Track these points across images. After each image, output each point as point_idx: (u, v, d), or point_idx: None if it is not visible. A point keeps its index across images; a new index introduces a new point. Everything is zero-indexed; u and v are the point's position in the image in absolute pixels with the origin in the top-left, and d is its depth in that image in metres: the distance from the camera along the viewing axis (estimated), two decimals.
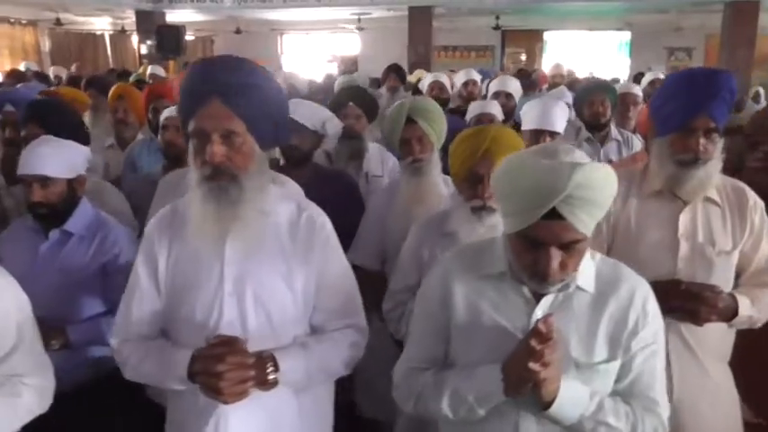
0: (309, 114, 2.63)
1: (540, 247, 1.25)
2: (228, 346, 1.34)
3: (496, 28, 14.07)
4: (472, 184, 1.89)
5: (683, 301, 1.81)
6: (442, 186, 2.42)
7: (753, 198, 1.99)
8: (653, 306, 1.40)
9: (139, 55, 13.56)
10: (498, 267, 1.39)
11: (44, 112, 2.46)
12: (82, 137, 2.36)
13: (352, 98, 3.36)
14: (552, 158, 1.22)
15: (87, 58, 13.88)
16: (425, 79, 4.41)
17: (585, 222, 1.22)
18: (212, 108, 1.39)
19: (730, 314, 1.84)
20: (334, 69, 15.36)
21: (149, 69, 7.57)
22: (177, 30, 13.31)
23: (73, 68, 10.45)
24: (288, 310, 1.52)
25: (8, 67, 12.35)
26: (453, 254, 1.52)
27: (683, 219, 1.96)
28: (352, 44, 16.04)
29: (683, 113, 1.89)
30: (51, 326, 1.91)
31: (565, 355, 1.33)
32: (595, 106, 3.73)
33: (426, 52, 12.66)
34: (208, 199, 1.43)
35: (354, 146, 3.32)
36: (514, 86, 4.11)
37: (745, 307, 1.85)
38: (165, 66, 13.52)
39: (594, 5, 12.60)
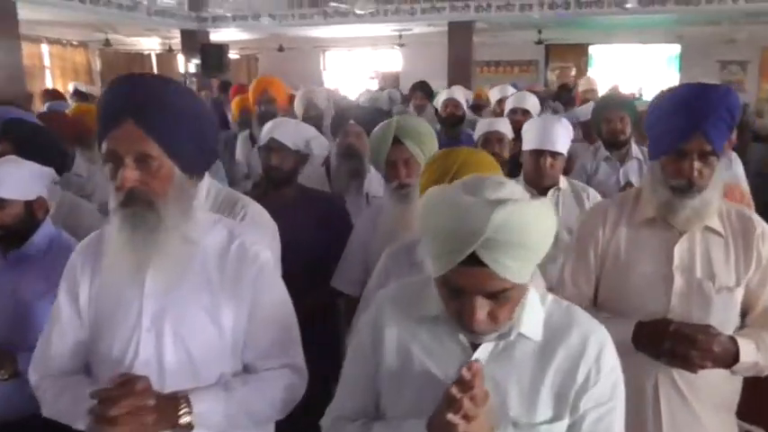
0: (291, 134, 2.52)
1: (463, 296, 1.09)
2: (128, 386, 1.22)
3: (539, 42, 13.80)
4: None
5: (674, 344, 1.60)
6: None
7: (761, 226, 1.77)
8: (609, 358, 1.21)
9: (184, 74, 13.85)
10: (433, 310, 1.22)
11: (16, 132, 2.43)
12: (56, 159, 2.31)
13: (352, 116, 3.25)
14: (474, 195, 1.05)
15: None
16: (440, 96, 4.26)
17: (513, 269, 1.05)
18: (125, 130, 1.29)
19: (730, 360, 1.61)
20: (375, 86, 15.44)
21: None
22: (220, 48, 13.55)
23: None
24: (212, 347, 1.39)
25: (60, 87, 12.83)
26: (389, 291, 1.37)
27: (679, 249, 1.75)
28: (393, 60, 16.02)
29: (675, 135, 1.70)
30: (1, 352, 1.84)
31: (501, 411, 1.16)
32: (613, 123, 3.51)
33: (466, 68, 12.50)
34: (123, 227, 1.33)
35: (354, 165, 3.20)
36: (532, 103, 3.92)
37: (749, 352, 1.62)
38: (209, 84, 13.81)
39: (642, 18, 12.19)
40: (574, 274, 1.89)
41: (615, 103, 3.60)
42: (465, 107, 4.16)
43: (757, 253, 1.74)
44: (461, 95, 4.19)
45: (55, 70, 13.39)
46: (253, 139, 4.52)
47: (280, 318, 1.48)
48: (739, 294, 1.74)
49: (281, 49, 15.17)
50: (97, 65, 14.42)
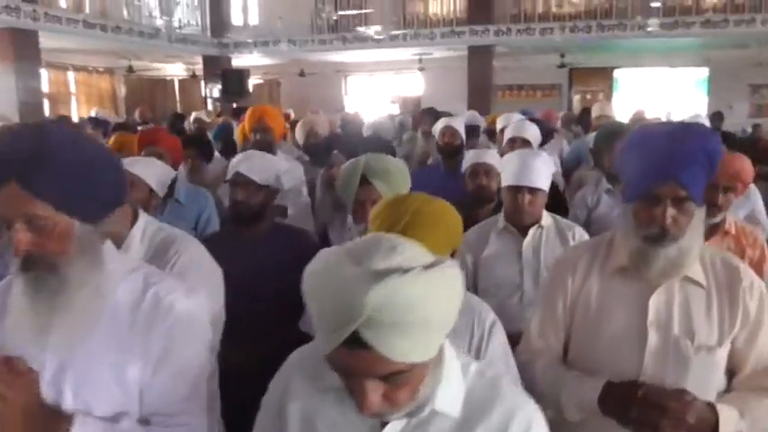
0: (259, 168, 2.41)
1: (352, 378, 0.94)
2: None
3: (561, 66, 13.62)
4: None
5: (642, 411, 1.42)
6: None
7: (749, 278, 1.57)
8: None
9: (205, 98, 14.01)
10: (338, 380, 1.07)
11: None
12: None
13: (337, 146, 3.13)
14: (359, 263, 0.89)
15: (158, 103, 14.47)
16: (437, 124, 4.11)
17: (406, 349, 0.89)
18: (9, 192, 1.18)
19: (707, 430, 1.42)
20: (396, 110, 15.38)
21: (193, 114, 7.66)
22: (241, 74, 13.69)
23: (136, 114, 10.82)
24: (115, 404, 1.28)
25: (85, 113, 13.06)
26: (300, 354, 1.22)
27: (655, 302, 1.57)
28: (415, 85, 15.97)
29: (647, 178, 1.52)
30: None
31: None
32: (615, 152, 3.31)
33: (486, 92, 12.38)
34: (25, 291, 1.24)
35: (338, 196, 3.07)
36: (532, 133, 3.74)
37: (730, 421, 1.42)
38: (230, 109, 13.91)
39: (667, 41, 11.96)
40: (541, 325, 1.72)
41: (619, 132, 3.40)
42: (463, 136, 4.00)
43: (744, 308, 1.55)
44: (460, 123, 4.02)
45: (80, 96, 13.64)
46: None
47: (187, 374, 1.34)
48: (722, 354, 1.54)
49: (302, 74, 15.25)
50: (122, 91, 14.65)
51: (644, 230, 1.53)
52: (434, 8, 13.29)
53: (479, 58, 12.34)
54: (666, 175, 1.49)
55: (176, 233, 1.92)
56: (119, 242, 1.80)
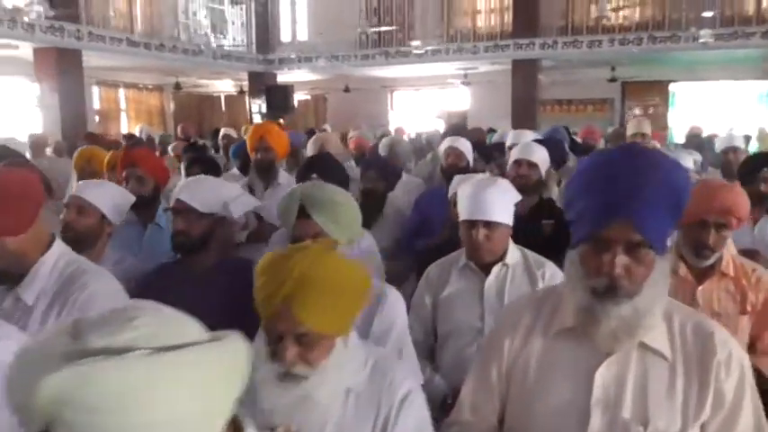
0: (202, 195, 2.22)
1: None
2: None
3: (612, 80, 13.06)
4: (272, 339, 1.32)
5: None
6: None
7: (726, 349, 1.27)
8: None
9: (251, 114, 14.12)
10: None
11: None
12: None
13: (315, 168, 2.92)
14: (77, 338, 0.68)
15: (205, 119, 14.69)
16: (442, 144, 3.85)
17: None
18: None
19: None
20: (441, 125, 15.13)
21: (222, 131, 7.62)
22: (285, 89, 13.74)
23: (179, 130, 10.97)
24: None
25: (134, 128, 13.35)
26: None
27: (603, 375, 1.29)
28: (461, 99, 15.67)
29: (594, 217, 1.25)
30: None
31: None
32: None
33: (531, 107, 11.99)
34: None
35: None
36: (540, 155, 3.44)
37: None
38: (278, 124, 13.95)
39: (726, 53, 11.28)
40: (474, 393, 1.45)
41: None
42: (469, 157, 3.72)
43: (717, 389, 1.24)
44: (466, 145, 3.75)
45: (130, 113, 13.98)
46: (251, 188, 4.28)
47: None
48: None
49: (347, 89, 15.18)
50: (170, 107, 14.95)
51: (591, 281, 1.26)
52: (479, 22, 13.00)
53: (523, 72, 11.97)
54: (617, 214, 1.21)
55: (89, 267, 1.77)
56: (26, 267, 1.67)
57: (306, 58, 13.64)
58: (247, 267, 2.43)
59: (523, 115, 11.87)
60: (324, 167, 2.89)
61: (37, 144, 7.15)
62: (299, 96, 17.11)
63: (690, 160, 4.17)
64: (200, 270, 2.25)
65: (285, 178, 4.23)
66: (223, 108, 15.31)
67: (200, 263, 2.27)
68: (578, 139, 7.58)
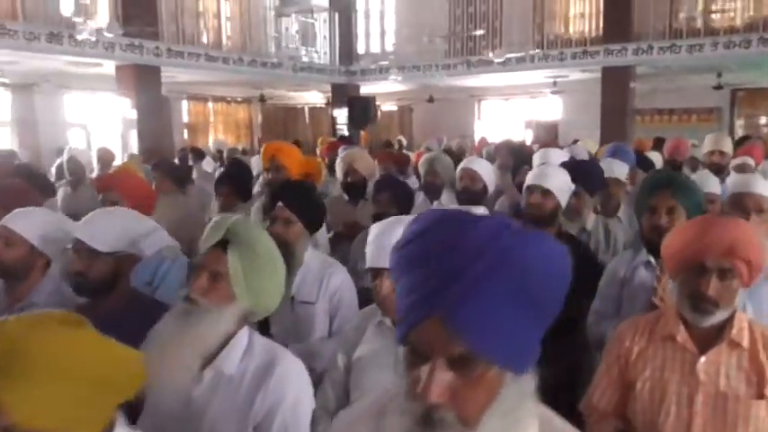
0: (104, 232, 1.97)
1: None
2: None
3: (718, 87, 11.85)
4: None
5: None
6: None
7: None
8: None
9: (334, 126, 14.13)
10: None
11: None
12: None
13: (282, 196, 2.61)
14: None
15: (289, 131, 14.87)
16: (460, 165, 3.38)
17: None
18: None
19: None
20: (529, 136, 14.43)
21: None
22: (367, 101, 13.61)
23: (255, 141, 11.12)
24: None
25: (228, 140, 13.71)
26: None
27: None
28: (551, 109, 14.89)
29: (404, 313, 0.86)
30: None
31: None
32: (657, 215, 2.43)
33: (622, 117, 11.11)
34: None
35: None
36: (558, 181, 2.90)
37: None
38: (358, 136, 13.92)
39: None
40: None
41: (660, 185, 2.50)
42: (486, 179, 3.26)
43: None
44: (484, 166, 3.28)
45: (218, 125, 14.39)
46: (265, 209, 4.05)
47: None
48: None
49: (430, 100, 14.85)
50: (258, 119, 15.27)
51: (410, 404, 0.86)
52: (567, 28, 12.24)
53: (614, 80, 11.11)
54: (426, 312, 0.82)
55: None
56: None
57: (386, 68, 13.44)
58: (159, 311, 2.18)
59: (614, 126, 11.02)
60: (292, 197, 2.57)
61: (103, 160, 7.36)
62: (386, 107, 17.00)
63: None
64: (104, 314, 2.01)
65: None
66: (307, 120, 15.44)
67: (105, 306, 2.02)
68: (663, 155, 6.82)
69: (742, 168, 5.97)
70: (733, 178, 2.93)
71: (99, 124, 12.08)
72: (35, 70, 9.94)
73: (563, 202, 2.94)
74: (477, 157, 3.79)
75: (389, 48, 14.78)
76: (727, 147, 4.71)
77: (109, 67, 9.54)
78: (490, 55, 11.26)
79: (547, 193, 2.88)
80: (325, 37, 13.62)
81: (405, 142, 13.40)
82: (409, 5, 14.28)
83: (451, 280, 0.81)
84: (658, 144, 11.50)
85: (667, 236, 1.76)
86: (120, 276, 2.02)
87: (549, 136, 15.03)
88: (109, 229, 2.00)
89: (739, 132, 12.85)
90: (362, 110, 13.51)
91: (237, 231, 1.66)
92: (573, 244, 2.83)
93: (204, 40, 11.92)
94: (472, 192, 3.27)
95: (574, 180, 3.01)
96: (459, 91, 15.03)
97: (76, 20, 7.97)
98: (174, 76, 11.30)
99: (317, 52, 13.46)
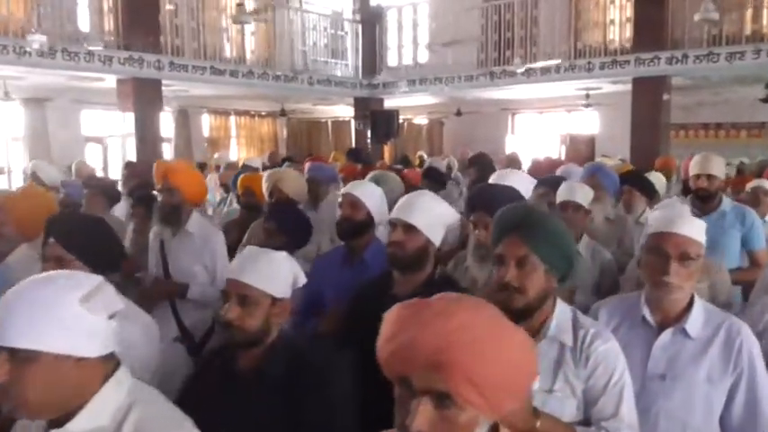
0: None
1: None
2: None
3: (765, 100, 10.74)
4: None
5: None
6: None
7: None
8: None
9: (356, 139, 13.75)
10: None
11: None
12: None
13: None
14: None
15: (313, 144, 14.60)
16: (344, 189, 2.82)
17: None
18: None
19: None
20: (563, 151, 13.63)
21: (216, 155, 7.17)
22: (390, 114, 13.18)
23: (265, 158, 10.84)
24: None
25: (244, 154, 13.57)
26: None
27: None
28: (588, 123, 14.01)
29: None
30: None
31: None
32: (504, 269, 1.83)
33: (654, 131, 10.21)
34: None
35: None
36: (584, 195, 2.36)
37: None
38: (381, 150, 13.47)
39: None
40: None
41: (509, 224, 1.88)
42: (373, 208, 2.71)
43: None
44: (374, 194, 2.70)
45: (241, 139, 14.23)
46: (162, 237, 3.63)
47: None
48: None
49: (458, 113, 14.26)
50: (284, 133, 15.06)
51: None
52: (595, 37, 11.40)
53: (646, 91, 10.22)
54: None
55: None
56: None
57: (410, 81, 12.96)
58: None
59: (645, 141, 10.14)
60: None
61: (80, 173, 7.20)
62: (418, 120, 16.50)
63: None
64: None
65: (197, 226, 3.55)
66: (330, 134, 15.12)
67: None
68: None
69: (755, 194, 5.14)
70: (653, 214, 2.26)
71: (115, 139, 12.09)
72: (43, 85, 9.99)
73: (436, 240, 2.38)
74: (366, 181, 3.25)
75: (423, 60, 14.26)
76: (718, 170, 3.93)
77: (111, 82, 9.47)
78: (513, 63, 10.59)
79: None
80: (346, 49, 13.27)
81: (426, 157, 12.85)
82: (442, 17, 13.72)
83: None
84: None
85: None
86: None
87: (585, 151, 14.18)
88: None
89: None
90: (385, 123, 13.08)
91: None
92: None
93: (227, 54, 11.78)
94: (352, 222, 2.74)
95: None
96: (490, 104, 14.36)
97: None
98: (187, 90, 11.20)
99: (339, 65, 13.12)
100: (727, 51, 9.47)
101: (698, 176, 3.88)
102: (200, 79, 10.07)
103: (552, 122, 14.78)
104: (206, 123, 13.66)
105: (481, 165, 4.81)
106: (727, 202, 3.93)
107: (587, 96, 12.46)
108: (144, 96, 9.27)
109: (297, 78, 11.59)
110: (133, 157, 9.04)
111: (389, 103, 13.96)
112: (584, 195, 3.30)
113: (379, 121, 13.04)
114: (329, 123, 15.13)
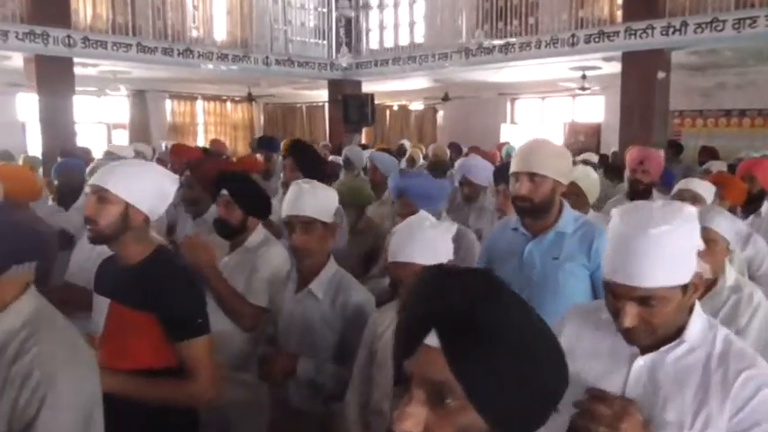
0: None
1: None
2: None
3: None
4: None
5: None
6: None
7: None
8: None
9: (330, 125, 12.53)
10: None
11: None
12: None
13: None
14: None
15: (288, 129, 13.51)
16: None
17: None
18: None
19: None
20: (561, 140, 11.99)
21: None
22: (362, 99, 11.86)
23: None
24: None
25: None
26: None
27: None
28: (594, 110, 12.33)
29: None
30: None
31: None
32: None
33: (647, 118, 8.54)
34: None
35: None
36: None
37: None
38: (359, 138, 12.20)
39: None
40: None
41: None
42: None
43: None
44: None
45: (208, 126, 13.20)
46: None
47: None
48: None
49: (446, 98, 12.81)
50: (260, 119, 13.97)
51: None
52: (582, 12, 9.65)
53: (638, 68, 8.56)
54: None
55: None
56: None
57: (383, 61, 11.61)
58: None
59: (638, 128, 8.50)
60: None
61: None
62: (412, 107, 15.12)
63: None
64: None
65: None
66: (304, 118, 13.94)
67: None
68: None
69: (681, 197, 3.65)
70: None
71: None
72: None
73: None
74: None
75: (404, 42, 12.87)
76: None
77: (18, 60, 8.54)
78: (475, 39, 9.10)
79: None
80: (316, 28, 12.02)
81: (408, 146, 11.50)
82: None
83: None
84: (677, 149, 8.82)
85: None
86: None
87: (588, 140, 12.50)
88: None
89: None
90: (358, 108, 11.77)
91: None
92: None
93: (194, 34, 10.74)
94: None
95: None
96: (486, 88, 12.85)
97: None
98: (153, 74, 10.21)
99: (315, 43, 11.89)
100: (734, 18, 7.72)
101: (516, 176, 2.39)
102: (123, 57, 9.01)
103: (555, 109, 13.14)
104: (168, 109, 12.67)
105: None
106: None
107: (584, 77, 10.79)
108: (49, 76, 8.27)
109: (251, 58, 10.43)
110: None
111: (369, 88, 12.63)
112: None
113: (351, 105, 11.74)
114: (303, 108, 13.94)
